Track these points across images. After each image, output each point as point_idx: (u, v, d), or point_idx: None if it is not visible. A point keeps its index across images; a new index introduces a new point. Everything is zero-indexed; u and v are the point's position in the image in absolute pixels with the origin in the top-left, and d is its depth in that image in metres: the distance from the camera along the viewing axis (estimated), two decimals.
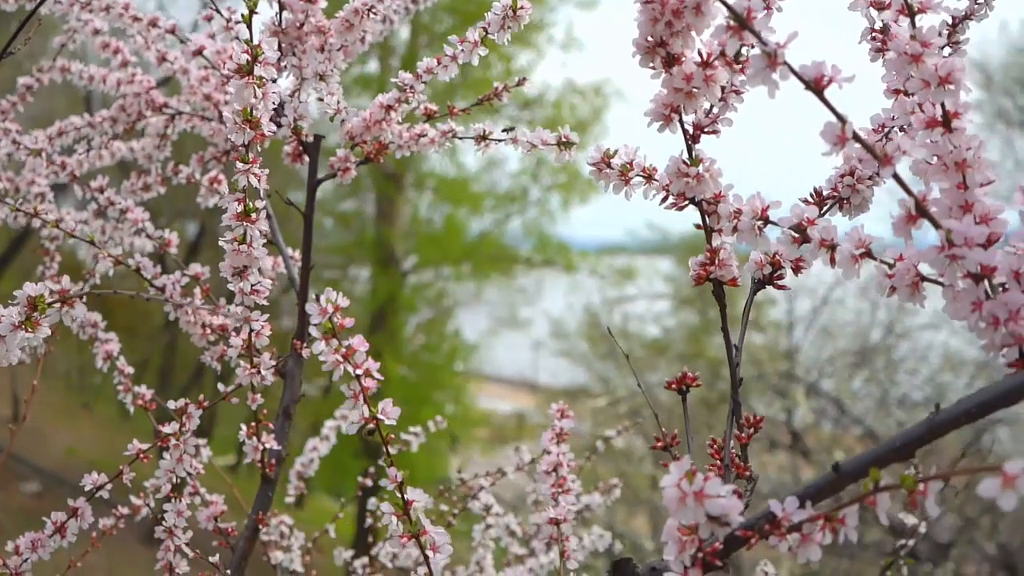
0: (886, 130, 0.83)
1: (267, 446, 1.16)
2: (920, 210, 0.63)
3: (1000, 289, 0.64)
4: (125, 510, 1.30)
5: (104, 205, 1.33)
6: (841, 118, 0.62)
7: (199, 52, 1.28)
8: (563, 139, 1.06)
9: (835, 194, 0.83)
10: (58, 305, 0.82)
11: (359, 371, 0.77)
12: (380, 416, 0.78)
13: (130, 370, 1.29)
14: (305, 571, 1.56)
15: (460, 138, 1.18)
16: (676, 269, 10.09)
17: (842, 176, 0.83)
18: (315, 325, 0.76)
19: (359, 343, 0.78)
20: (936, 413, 0.61)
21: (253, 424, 1.15)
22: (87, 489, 1.08)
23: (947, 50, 0.85)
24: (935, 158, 0.67)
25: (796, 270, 0.82)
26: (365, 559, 1.66)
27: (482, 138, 1.15)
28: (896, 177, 0.62)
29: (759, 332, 8.82)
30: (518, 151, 1.10)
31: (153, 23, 1.29)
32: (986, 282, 0.64)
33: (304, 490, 1.66)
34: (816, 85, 0.61)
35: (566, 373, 10.30)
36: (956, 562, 5.58)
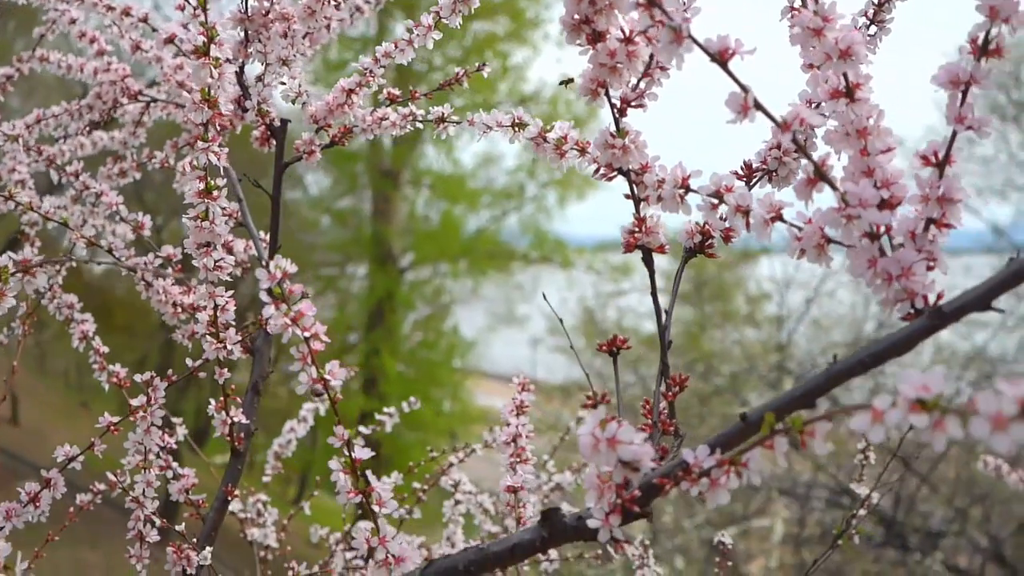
0: (813, 104, 0.87)
1: (235, 420, 1.20)
2: (819, 174, 0.67)
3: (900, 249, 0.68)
4: (101, 486, 1.33)
5: (80, 189, 1.37)
6: (744, 88, 0.66)
7: (170, 40, 1.31)
8: (516, 121, 1.10)
9: (764, 166, 0.87)
10: (20, 275, 0.86)
11: (308, 334, 0.81)
12: (327, 377, 0.82)
13: (105, 349, 1.32)
14: (280, 547, 1.60)
15: (421, 122, 1.22)
16: (672, 264, 10.10)
17: (770, 149, 0.87)
18: (264, 290, 0.79)
19: (307, 308, 0.82)
20: (834, 363, 0.65)
21: (222, 399, 1.19)
22: (59, 461, 1.13)
23: (872, 28, 0.89)
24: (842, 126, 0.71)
25: (726, 239, 0.86)
26: (339, 534, 1.70)
27: (440, 120, 1.19)
28: (796, 143, 0.66)
29: (754, 328, 8.86)
30: (475, 134, 1.14)
31: (126, 12, 1.33)
32: (885, 241, 0.67)
33: (280, 470, 1.70)
34: (721, 57, 0.65)
35: (563, 369, 10.33)
36: (947, 553, 5.62)
